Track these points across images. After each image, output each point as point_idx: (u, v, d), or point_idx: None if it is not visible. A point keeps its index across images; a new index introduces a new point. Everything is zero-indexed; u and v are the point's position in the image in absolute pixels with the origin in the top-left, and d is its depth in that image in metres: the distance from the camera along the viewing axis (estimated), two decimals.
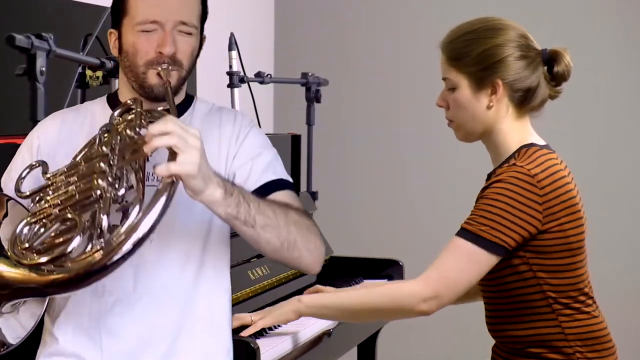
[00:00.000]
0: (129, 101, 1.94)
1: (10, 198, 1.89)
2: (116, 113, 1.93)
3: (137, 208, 1.72)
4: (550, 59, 2.13)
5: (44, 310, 1.90)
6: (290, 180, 2.07)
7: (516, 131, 2.13)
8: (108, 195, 1.74)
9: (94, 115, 2.05)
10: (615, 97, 4.15)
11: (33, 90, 2.16)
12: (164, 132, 1.70)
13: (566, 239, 2.06)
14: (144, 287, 1.94)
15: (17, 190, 1.90)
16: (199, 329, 1.99)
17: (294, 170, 3.39)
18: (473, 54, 2.09)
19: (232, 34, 3.23)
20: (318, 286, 2.48)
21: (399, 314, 2.16)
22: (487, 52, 2.09)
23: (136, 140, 1.79)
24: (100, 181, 1.76)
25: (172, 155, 1.72)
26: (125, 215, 1.74)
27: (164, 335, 1.97)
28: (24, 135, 2.10)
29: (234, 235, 1.98)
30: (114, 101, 2.06)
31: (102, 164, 1.78)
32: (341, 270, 3.09)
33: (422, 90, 4.42)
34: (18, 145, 2.09)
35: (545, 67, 2.13)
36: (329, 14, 4.56)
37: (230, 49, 3.20)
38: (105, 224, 1.71)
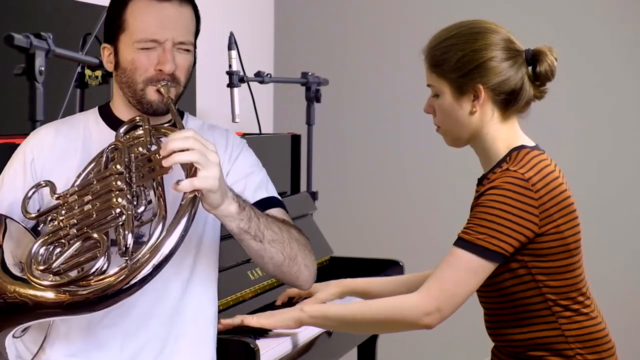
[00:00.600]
0: (137, 118, 1.94)
1: (7, 217, 1.88)
2: (122, 130, 1.93)
3: (160, 226, 1.73)
4: (534, 58, 2.10)
5: (47, 332, 1.89)
6: (281, 199, 2.11)
7: (504, 134, 2.11)
8: (130, 213, 1.75)
9: (87, 129, 2.04)
10: (621, 97, 4.12)
11: (32, 89, 2.15)
12: (185, 148, 1.72)
13: (563, 240, 2.05)
14: (134, 298, 1.92)
15: (25, 211, 1.89)
16: (185, 339, 2.01)
17: (294, 170, 3.38)
18: (452, 60, 2.07)
19: (231, 33, 3.22)
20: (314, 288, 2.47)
21: (401, 327, 2.15)
22: (466, 58, 2.06)
23: (150, 158, 1.80)
24: (120, 199, 1.76)
25: (191, 170, 1.74)
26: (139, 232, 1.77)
27: (151, 347, 1.98)
28: (23, 135, 2.09)
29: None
30: (106, 114, 2.06)
31: (119, 182, 1.78)
32: (341, 271, 3.08)
33: (422, 90, 4.39)
34: (17, 146, 2.07)
35: (530, 67, 2.10)
36: (329, 13, 4.55)
37: (229, 49, 3.20)
38: (130, 241, 1.72)
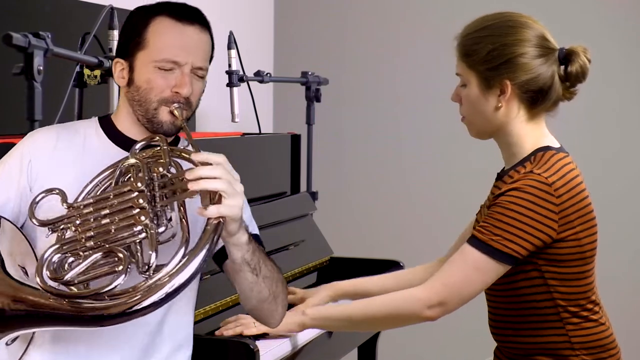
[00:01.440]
0: (156, 137, 1.93)
1: (1, 216, 1.87)
2: (138, 147, 1.91)
3: (183, 249, 1.74)
4: (566, 58, 2.06)
5: (28, 343, 1.88)
6: (261, 238, 2.12)
7: (529, 133, 2.08)
8: (152, 231, 1.76)
9: (88, 138, 2.01)
10: (626, 96, 4.11)
11: (30, 89, 2.14)
12: (213, 176, 1.76)
13: (581, 248, 2.03)
14: None
15: (32, 215, 1.87)
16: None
17: (294, 170, 3.37)
18: (482, 52, 2.04)
19: (231, 33, 3.21)
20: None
21: (404, 321, 2.14)
22: (496, 52, 2.03)
23: (172, 180, 1.81)
24: (143, 217, 1.77)
25: (216, 197, 1.77)
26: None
27: None
28: (21, 135, 2.07)
29: None
30: (108, 126, 2.02)
31: (141, 200, 1.78)
32: (341, 271, 3.07)
33: (422, 90, 4.41)
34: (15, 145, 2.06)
35: (562, 67, 2.07)
36: (329, 13, 4.54)
37: (229, 48, 3.19)
38: (154, 260, 1.73)
